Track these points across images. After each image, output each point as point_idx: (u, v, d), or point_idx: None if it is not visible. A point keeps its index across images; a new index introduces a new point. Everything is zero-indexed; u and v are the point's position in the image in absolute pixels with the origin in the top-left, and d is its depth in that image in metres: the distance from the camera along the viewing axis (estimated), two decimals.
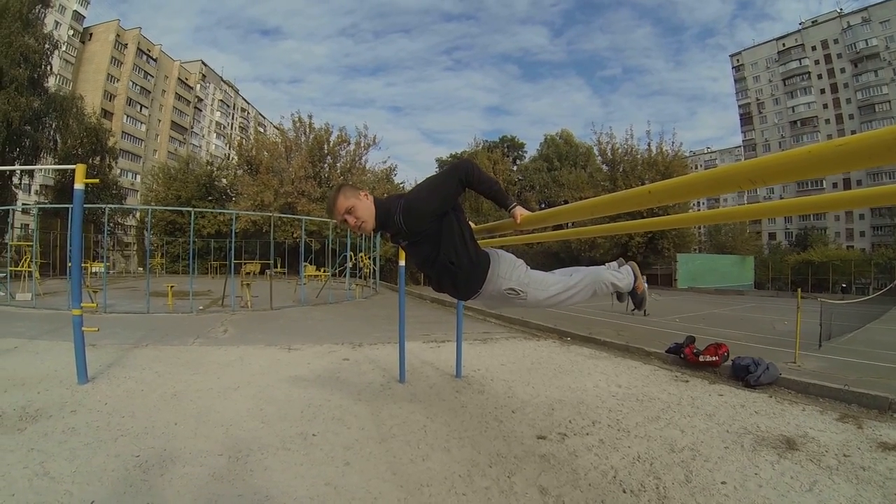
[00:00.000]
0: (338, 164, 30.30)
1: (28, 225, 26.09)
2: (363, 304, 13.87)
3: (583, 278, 1.95)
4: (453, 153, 39.58)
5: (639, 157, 29.28)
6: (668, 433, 3.45)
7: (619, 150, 29.94)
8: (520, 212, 1.85)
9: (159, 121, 56.52)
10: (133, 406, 4.05)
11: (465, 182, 1.74)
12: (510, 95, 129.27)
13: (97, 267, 15.87)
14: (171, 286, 11.80)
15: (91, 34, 50.67)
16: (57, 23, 43.13)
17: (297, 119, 30.57)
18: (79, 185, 4.80)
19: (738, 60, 57.61)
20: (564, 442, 3.23)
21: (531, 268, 1.96)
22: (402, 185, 32.49)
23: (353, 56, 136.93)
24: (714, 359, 5.35)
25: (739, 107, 57.01)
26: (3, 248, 16.74)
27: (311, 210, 25.53)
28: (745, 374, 4.84)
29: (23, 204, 26.73)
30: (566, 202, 38.46)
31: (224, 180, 34.52)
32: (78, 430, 3.50)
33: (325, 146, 29.76)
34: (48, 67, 26.25)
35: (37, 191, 36.03)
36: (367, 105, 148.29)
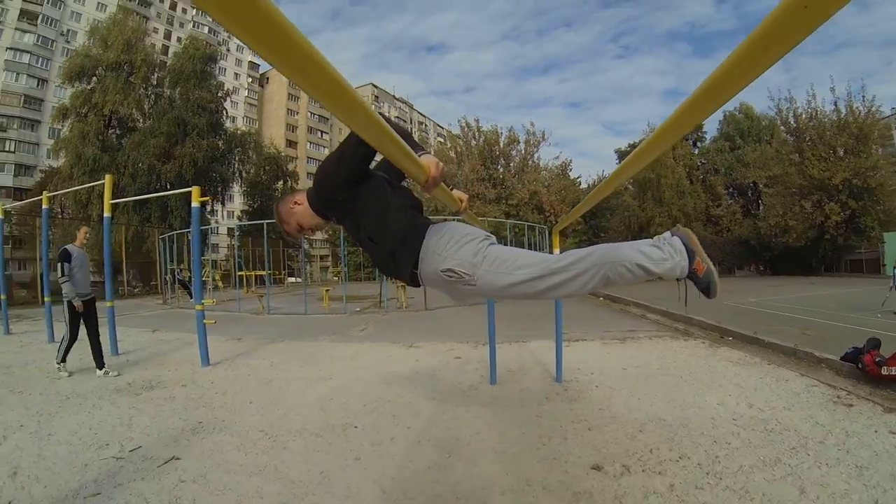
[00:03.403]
0: (511, 165, 33.26)
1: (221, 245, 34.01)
2: (523, 303, 14.08)
3: (579, 260, 1.67)
4: (631, 142, 42.62)
5: (826, 121, 28.04)
6: (780, 491, 2.64)
7: (803, 116, 29.18)
8: (433, 161, 1.60)
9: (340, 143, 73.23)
10: (230, 386, 5.27)
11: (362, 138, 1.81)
12: (685, 75, 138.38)
13: (262, 273, 19.57)
14: (328, 290, 14.41)
15: (267, 78, 70.34)
16: (237, 74, 64.06)
17: (464, 124, 34.27)
18: (195, 204, 6.69)
19: None
20: (620, 479, 2.82)
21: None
22: (578, 179, 35.83)
23: (521, 57, 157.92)
24: None
25: None
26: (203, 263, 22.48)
27: (487, 212, 27.32)
28: None
29: (212, 225, 35.00)
30: (754, 184, 34.96)
31: None
32: (175, 398, 4.78)
33: (496, 148, 32.88)
34: (224, 112, 36.32)
35: (238, 216, 47.30)
36: (543, 104, 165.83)
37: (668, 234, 1.77)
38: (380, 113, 1.62)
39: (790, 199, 28.77)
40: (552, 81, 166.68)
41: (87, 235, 6.30)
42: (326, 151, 69.39)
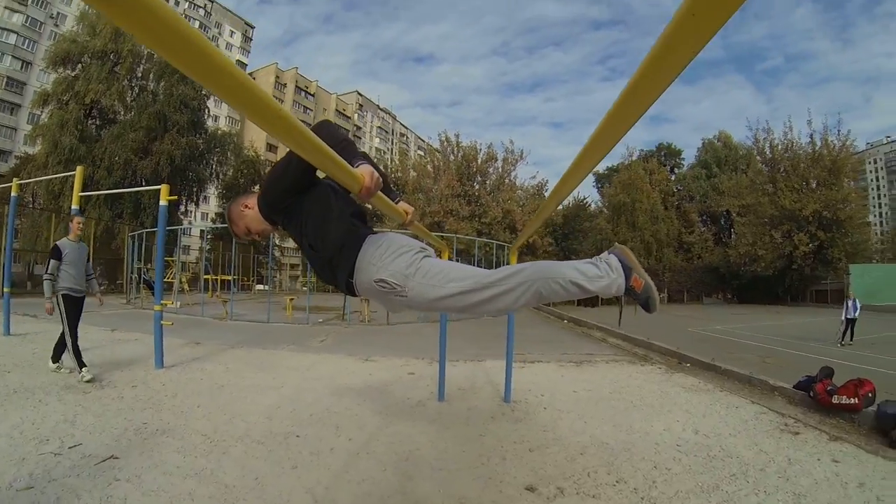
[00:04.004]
0: (487, 182, 33.78)
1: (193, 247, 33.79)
2: (489, 322, 14.35)
3: (512, 275, 1.70)
4: (610, 166, 44.24)
5: (801, 153, 30.26)
6: None
7: (779, 147, 31.25)
8: (367, 171, 1.62)
9: None
10: (181, 389, 5.37)
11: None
12: (669, 101, 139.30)
13: (228, 279, 19.61)
14: (292, 299, 14.75)
15: (254, 78, 72.55)
16: None
17: (444, 139, 34.76)
18: (163, 202, 6.79)
19: None
20: (553, 502, 2.95)
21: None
22: None
23: (509, 74, 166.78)
24: (853, 401, 4.81)
25: None
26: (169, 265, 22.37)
27: (459, 228, 27.57)
28: (893, 427, 3.99)
29: (183, 226, 34.93)
30: (727, 212, 36.33)
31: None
32: (124, 398, 4.88)
33: (474, 164, 33.33)
34: (206, 110, 36.26)
35: (212, 218, 47.06)
36: (528, 122, 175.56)
37: (605, 253, 1.80)
38: (322, 122, 1.84)
39: (761, 228, 29.97)
40: (538, 100, 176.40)
41: (81, 226, 5.97)
42: None
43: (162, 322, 6.49)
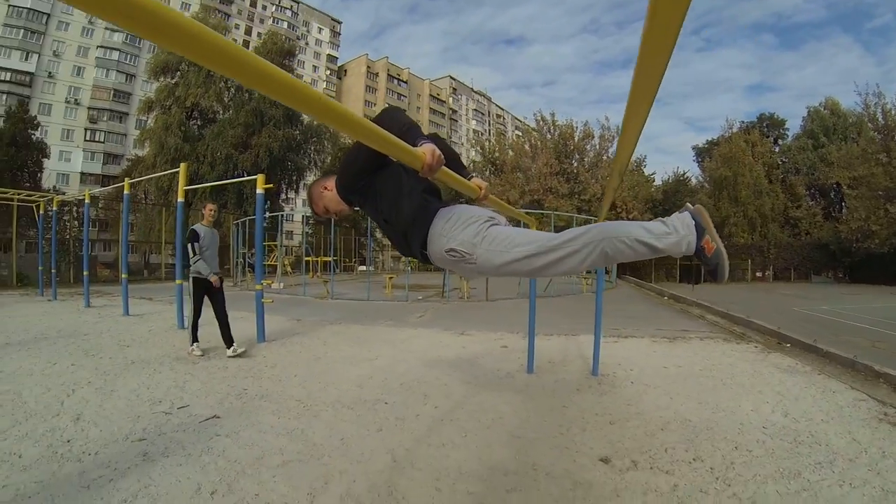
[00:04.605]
0: (585, 160, 33.57)
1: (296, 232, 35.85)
2: (586, 297, 14.04)
3: (576, 237, 1.72)
4: (709, 139, 43.87)
5: None
6: None
7: (892, 113, 28.26)
8: (429, 149, 1.62)
9: None
10: (280, 360, 5.69)
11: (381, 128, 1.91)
12: (770, 69, 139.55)
13: (328, 260, 20.52)
14: (391, 277, 15.12)
15: (346, 70, 74.81)
16: (315, 66, 68.45)
17: (540, 118, 35.16)
18: (259, 191, 7.10)
19: None
20: (625, 474, 2.81)
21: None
22: (653, 175, 35.99)
23: (601, 51, 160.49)
24: None
25: None
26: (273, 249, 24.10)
27: (560, 206, 27.35)
28: None
29: (285, 212, 36.65)
30: (837, 185, 32.92)
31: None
32: (228, 368, 5.24)
33: (571, 142, 33.31)
34: None
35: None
36: (623, 99, 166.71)
37: (678, 211, 1.77)
38: (386, 109, 1.91)
39: (875, 201, 27.01)
40: (632, 76, 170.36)
41: (213, 213, 6.16)
42: None
43: (263, 300, 6.90)
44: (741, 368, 5.53)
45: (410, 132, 1.76)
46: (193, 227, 6.01)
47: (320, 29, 70.12)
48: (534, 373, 5.11)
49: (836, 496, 2.63)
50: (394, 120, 1.78)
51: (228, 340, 5.83)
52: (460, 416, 3.79)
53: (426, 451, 3.08)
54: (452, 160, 2.11)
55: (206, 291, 5.93)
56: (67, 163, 47.08)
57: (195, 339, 5.83)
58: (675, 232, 1.66)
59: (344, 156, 2.06)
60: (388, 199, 1.94)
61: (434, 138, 2.01)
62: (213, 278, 5.84)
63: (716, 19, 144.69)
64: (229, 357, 5.65)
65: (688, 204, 1.79)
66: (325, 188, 2.20)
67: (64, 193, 28.15)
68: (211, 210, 6.14)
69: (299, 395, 4.25)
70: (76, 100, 47.63)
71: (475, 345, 6.73)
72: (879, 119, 28.94)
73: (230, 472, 2.68)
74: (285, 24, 62.61)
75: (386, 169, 1.96)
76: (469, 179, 2.09)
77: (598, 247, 1.67)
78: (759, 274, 31.29)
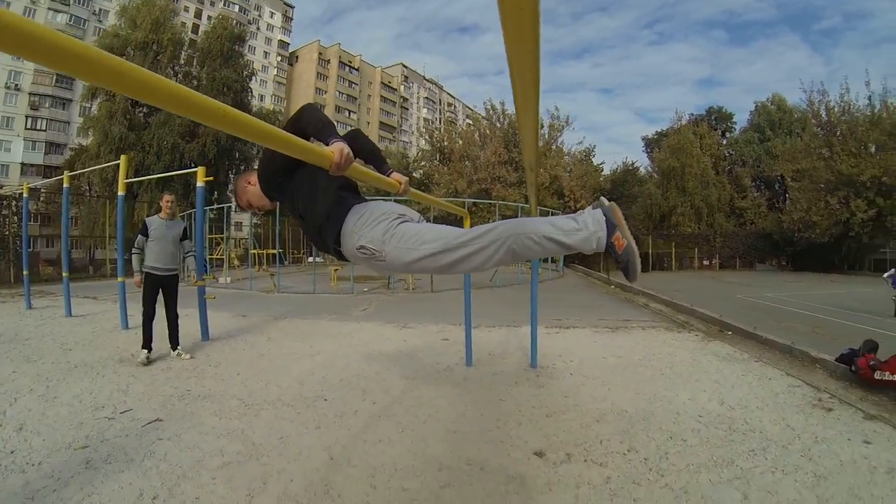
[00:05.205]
0: None
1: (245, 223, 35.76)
2: (529, 290, 14.45)
3: (483, 234, 1.74)
4: (658, 130, 45.01)
5: (859, 116, 28.77)
6: (722, 494, 2.69)
7: (835, 110, 29.92)
8: (336, 147, 1.68)
9: (368, 123, 77.51)
10: (224, 358, 5.86)
11: (296, 129, 1.91)
12: (720, 64, 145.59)
13: (273, 252, 20.46)
14: (336, 269, 15.38)
15: (297, 56, 73.14)
16: (266, 52, 66.82)
17: (489, 107, 35.75)
18: (200, 184, 7.36)
19: None
20: (558, 467, 3.02)
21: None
22: (601, 166, 36.71)
23: (555, 42, 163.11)
24: None
25: None
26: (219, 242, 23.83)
27: (508, 195, 27.84)
28: None
29: (232, 203, 36.56)
30: (782, 177, 35.00)
31: (419, 172, 40.03)
32: (171, 368, 5.41)
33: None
34: (249, 91, 37.67)
35: None
36: (576, 89, 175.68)
37: (590, 207, 1.79)
38: (303, 107, 2.03)
39: (816, 193, 28.64)
40: (585, 66, 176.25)
41: (171, 204, 5.97)
42: None
43: (205, 297, 7.01)
44: (680, 357, 5.89)
45: (325, 130, 1.83)
46: (146, 218, 5.96)
47: (272, 13, 68.39)
48: (472, 366, 5.42)
49: (768, 483, 2.78)
50: (310, 118, 1.89)
51: (175, 342, 5.86)
52: (397, 411, 4.06)
53: (362, 448, 3.33)
54: (371, 156, 2.25)
55: (161, 287, 5.77)
56: (7, 153, 44.54)
57: (147, 344, 5.58)
58: (585, 228, 1.68)
59: (262, 154, 2.17)
60: (304, 196, 2.02)
61: (352, 135, 2.18)
62: (136, 278, 5.75)
63: (669, 14, 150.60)
64: (172, 358, 5.72)
65: (602, 199, 1.79)
66: (249, 183, 2.30)
67: (1, 186, 26.89)
68: (168, 202, 5.97)
69: (241, 394, 4.45)
70: (16, 85, 45.04)
71: (416, 338, 7.02)
72: (823, 116, 30.30)
73: (171, 476, 2.87)
74: (237, 8, 60.53)
75: (303, 167, 2.00)
76: (389, 174, 2.21)
77: (506, 244, 1.70)
78: (705, 262, 32.58)
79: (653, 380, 4.93)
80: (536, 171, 2.28)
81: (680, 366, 5.49)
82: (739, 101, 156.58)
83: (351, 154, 1.69)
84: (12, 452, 3.18)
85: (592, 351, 6.21)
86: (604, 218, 1.70)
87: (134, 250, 5.86)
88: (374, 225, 1.88)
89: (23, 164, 45.31)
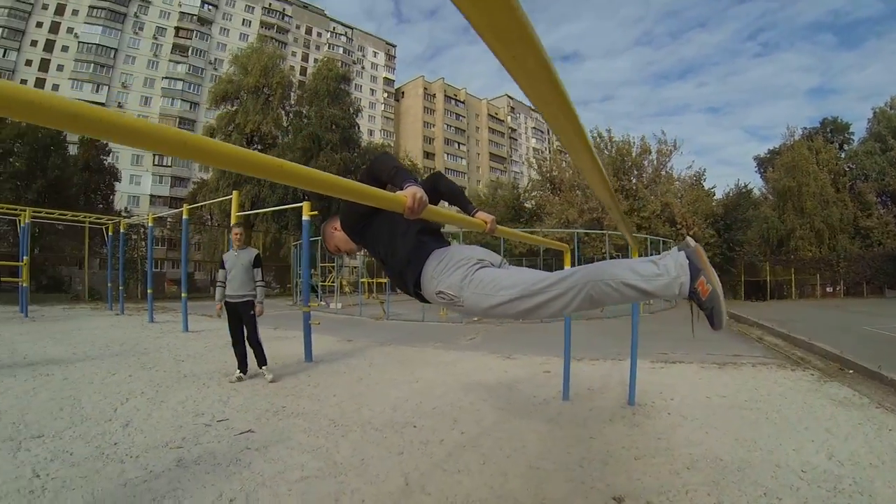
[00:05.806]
0: (643, 176, 32.60)
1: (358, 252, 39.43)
2: (644, 319, 13.61)
3: (560, 280, 1.73)
4: (771, 148, 41.85)
5: None
6: None
7: None
8: (409, 192, 1.65)
9: (478, 154, 79.43)
10: (322, 380, 5.98)
11: (372, 177, 1.94)
12: (831, 71, 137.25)
13: (382, 281, 21.05)
14: None
15: (403, 92, 77.30)
16: (372, 90, 71.67)
17: (596, 135, 34.57)
18: (305, 218, 7.83)
19: None
20: None
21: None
22: (713, 190, 32.97)
23: (656, 63, 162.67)
24: None
25: None
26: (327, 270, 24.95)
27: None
28: None
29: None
30: None
31: (531, 202, 39.76)
32: (271, 386, 5.56)
33: (629, 158, 32.60)
34: (356, 127, 39.94)
35: None
36: (682, 111, 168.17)
37: (674, 248, 1.70)
38: (378, 157, 2.07)
39: None
40: (690, 86, 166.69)
41: (239, 236, 6.14)
42: (463, 162, 74.67)
43: (310, 322, 7.27)
44: (791, 399, 5.23)
45: (398, 176, 1.85)
46: (224, 254, 6.21)
47: (375, 53, 73.30)
48: (569, 400, 5.08)
49: None
50: (383, 165, 1.93)
51: (261, 362, 5.93)
52: (484, 442, 3.84)
53: (440, 477, 3.16)
54: (454, 196, 2.28)
55: (237, 313, 5.94)
56: (137, 186, 51.32)
57: (240, 364, 5.85)
58: (667, 273, 1.61)
59: (342, 203, 2.15)
60: (384, 241, 2.09)
61: (433, 178, 2.22)
62: (216, 308, 6.03)
63: (771, 22, 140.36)
64: (266, 377, 5.83)
65: (688, 239, 1.70)
66: (335, 228, 2.37)
67: (132, 216, 30.68)
68: (236, 234, 6.17)
69: (333, 414, 4.45)
70: None
71: (518, 369, 6.75)
72: None
73: (251, 483, 2.89)
74: (341, 50, 65.93)
75: (382, 212, 2.06)
76: (474, 214, 2.20)
77: (583, 290, 1.68)
78: (829, 289, 29.11)
79: (756, 424, 4.32)
80: (616, 207, 2.11)
81: (789, 409, 4.81)
82: (856, 109, 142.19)
83: (425, 197, 1.66)
84: (115, 444, 3.41)
85: (695, 389, 5.68)
86: (687, 262, 1.61)
87: (218, 283, 6.11)
88: (452, 270, 1.91)
89: (151, 196, 52.01)
